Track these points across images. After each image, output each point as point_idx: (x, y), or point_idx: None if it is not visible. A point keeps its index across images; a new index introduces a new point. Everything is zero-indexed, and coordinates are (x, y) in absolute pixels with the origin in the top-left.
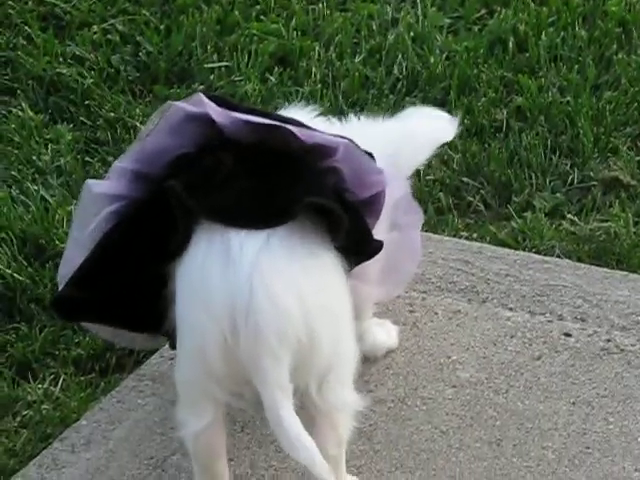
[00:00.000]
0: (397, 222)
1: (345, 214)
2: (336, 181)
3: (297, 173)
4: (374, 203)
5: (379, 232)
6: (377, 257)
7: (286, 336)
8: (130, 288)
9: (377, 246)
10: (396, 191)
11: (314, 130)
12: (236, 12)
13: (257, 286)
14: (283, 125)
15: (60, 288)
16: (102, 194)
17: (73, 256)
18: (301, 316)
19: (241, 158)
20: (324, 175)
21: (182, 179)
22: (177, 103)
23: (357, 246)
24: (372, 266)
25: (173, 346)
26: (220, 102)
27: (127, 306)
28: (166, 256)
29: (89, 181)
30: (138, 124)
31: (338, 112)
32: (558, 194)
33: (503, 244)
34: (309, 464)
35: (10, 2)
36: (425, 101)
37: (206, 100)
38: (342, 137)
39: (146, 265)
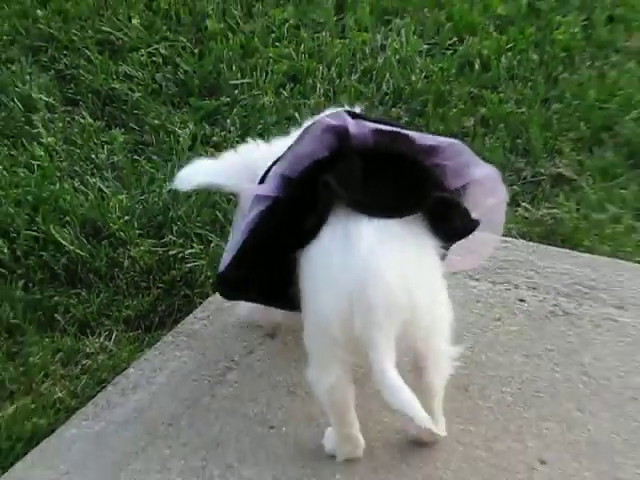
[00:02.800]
0: (481, 203)
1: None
2: (439, 174)
3: (418, 172)
4: (466, 190)
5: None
6: None
7: (393, 313)
8: (272, 270)
9: (475, 225)
10: (484, 179)
11: (426, 134)
12: (256, 39)
13: (371, 270)
14: (404, 131)
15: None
16: (258, 195)
17: (235, 242)
18: (407, 298)
19: (369, 161)
20: (433, 171)
21: (333, 176)
22: (319, 118)
23: (462, 227)
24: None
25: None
26: (354, 115)
27: (271, 285)
28: (297, 244)
29: (256, 187)
30: (176, 129)
31: None
32: (514, 186)
33: None
34: (410, 412)
35: (73, 30)
36: (408, 111)
37: (345, 115)
38: (451, 138)
39: (282, 251)
